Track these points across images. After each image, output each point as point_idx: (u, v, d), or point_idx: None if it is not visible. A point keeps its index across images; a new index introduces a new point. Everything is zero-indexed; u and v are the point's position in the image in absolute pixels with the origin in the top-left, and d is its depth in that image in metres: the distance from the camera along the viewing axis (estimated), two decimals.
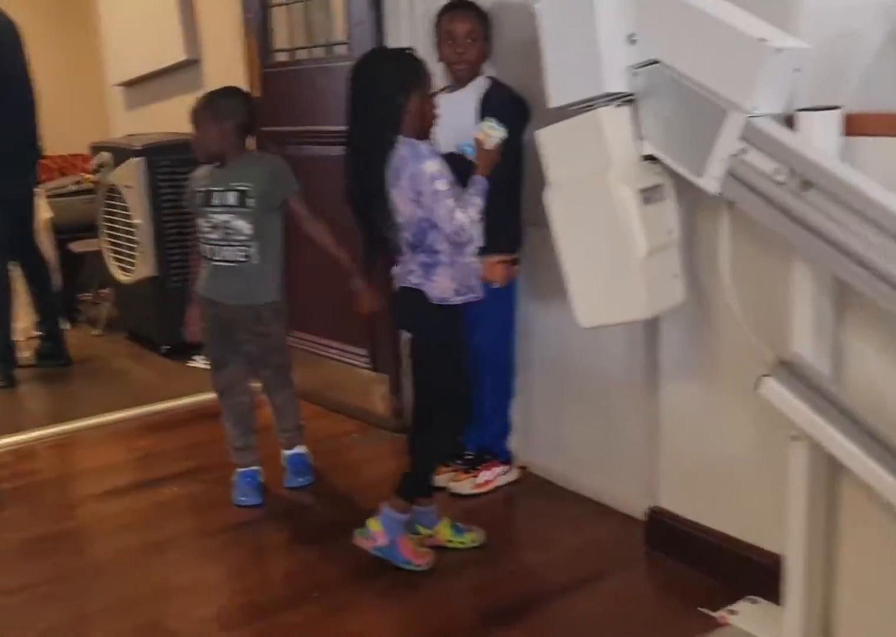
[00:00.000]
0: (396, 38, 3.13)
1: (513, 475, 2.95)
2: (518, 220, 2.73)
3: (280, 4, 3.59)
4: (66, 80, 6.00)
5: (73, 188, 5.39)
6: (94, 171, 4.67)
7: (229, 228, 2.72)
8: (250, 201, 2.70)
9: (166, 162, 4.30)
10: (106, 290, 5.03)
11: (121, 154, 4.43)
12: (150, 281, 4.40)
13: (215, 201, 2.74)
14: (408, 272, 2.35)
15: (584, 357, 2.72)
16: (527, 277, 2.82)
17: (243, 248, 2.73)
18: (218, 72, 4.52)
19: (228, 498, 2.89)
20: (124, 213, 4.42)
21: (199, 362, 4.31)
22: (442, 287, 2.32)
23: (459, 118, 2.54)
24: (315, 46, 3.49)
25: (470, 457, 2.92)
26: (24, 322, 4.53)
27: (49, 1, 6.11)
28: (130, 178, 4.31)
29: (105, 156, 4.55)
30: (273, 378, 2.94)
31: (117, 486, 3.08)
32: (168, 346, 4.48)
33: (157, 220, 4.33)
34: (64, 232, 5.03)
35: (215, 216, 2.73)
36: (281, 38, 3.64)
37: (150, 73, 5.13)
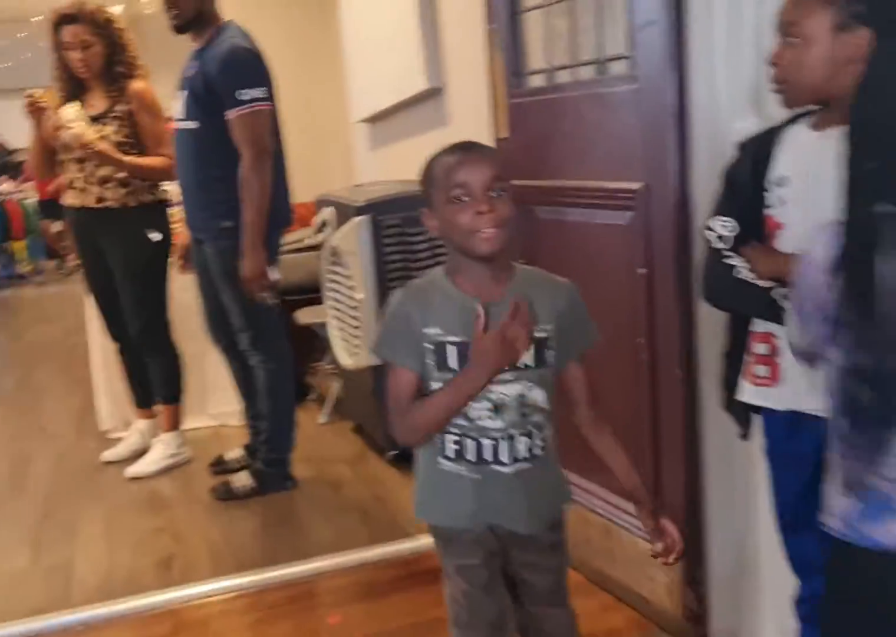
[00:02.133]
0: (707, 46, 2.00)
1: None
2: None
3: (535, 8, 2.54)
4: (311, 119, 5.31)
5: (308, 243, 4.64)
6: (318, 230, 3.85)
7: (526, 405, 1.60)
8: (550, 355, 1.61)
9: (394, 221, 3.38)
10: (334, 368, 4.21)
11: (343, 211, 3.56)
12: (373, 370, 3.49)
13: None
14: None
15: None
16: None
17: (539, 433, 1.62)
18: (463, 101, 3.57)
19: None
20: (347, 284, 3.55)
21: None
22: None
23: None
24: (583, 64, 2.40)
25: None
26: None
27: (294, 37, 5.42)
28: (352, 241, 3.43)
29: (328, 212, 3.71)
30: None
31: None
32: (395, 452, 3.56)
33: (384, 296, 3.41)
34: (293, 293, 4.27)
35: (500, 389, 1.57)
36: (537, 57, 2.58)
37: (391, 107, 4.29)
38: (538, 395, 1.59)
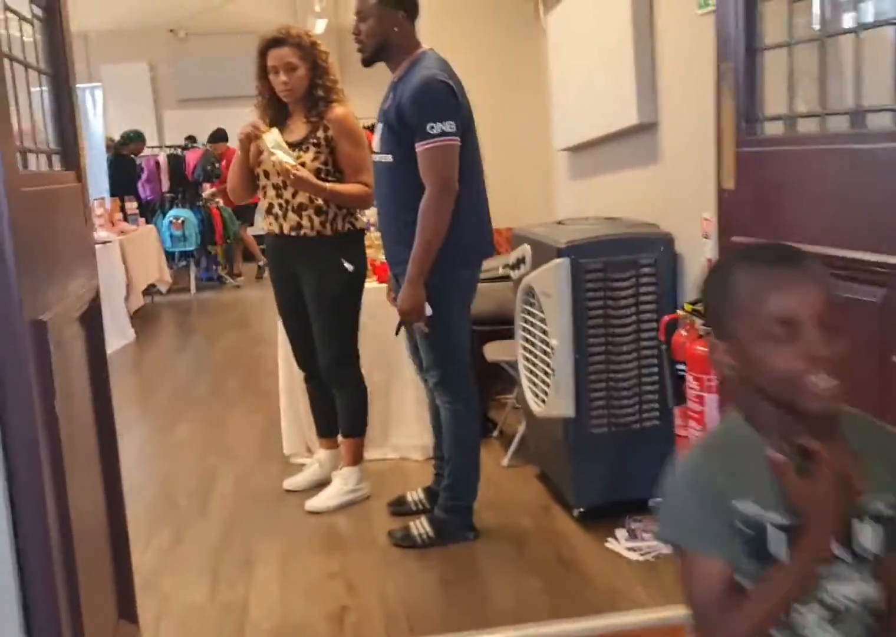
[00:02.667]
0: None
1: None
2: None
3: (777, 46, 2.26)
4: (512, 145, 5.15)
5: (503, 272, 4.47)
6: (513, 266, 3.67)
7: (871, 612, 1.22)
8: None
9: (596, 265, 3.16)
10: (520, 405, 4.02)
11: (542, 250, 3.37)
12: (563, 421, 3.28)
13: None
14: None
15: None
16: None
17: None
18: (678, 139, 3.32)
19: None
20: (542, 327, 3.36)
21: (622, 543, 3.12)
22: None
23: None
24: (834, 114, 2.11)
25: None
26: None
27: (497, 62, 5.27)
28: (549, 284, 3.23)
29: (525, 249, 3.53)
30: None
31: None
32: (582, 509, 3.34)
33: (581, 344, 3.20)
34: (482, 323, 4.12)
35: (841, 589, 1.20)
36: (775, 101, 2.30)
37: (597, 138, 4.07)
38: (870, 591, 1.19)
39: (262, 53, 3.53)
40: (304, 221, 3.52)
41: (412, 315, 3.12)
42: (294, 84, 3.50)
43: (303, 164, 3.47)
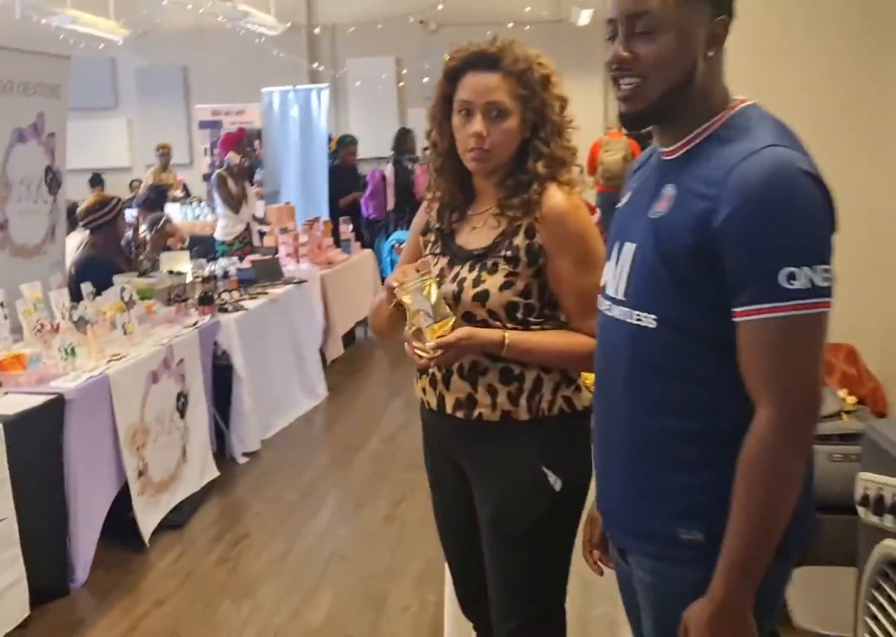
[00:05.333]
0: None
1: None
2: None
3: None
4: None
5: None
6: (863, 503, 1.97)
7: None
8: None
9: None
10: None
11: None
12: None
13: None
14: None
15: None
16: None
17: None
18: None
19: None
20: None
21: None
22: None
23: None
24: None
25: None
26: None
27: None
28: None
29: (883, 485, 1.83)
30: None
31: None
32: None
33: None
34: None
35: None
36: None
37: None
38: None
39: (453, 77, 2.04)
40: (481, 395, 2.01)
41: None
42: (497, 141, 1.99)
43: (482, 293, 1.97)
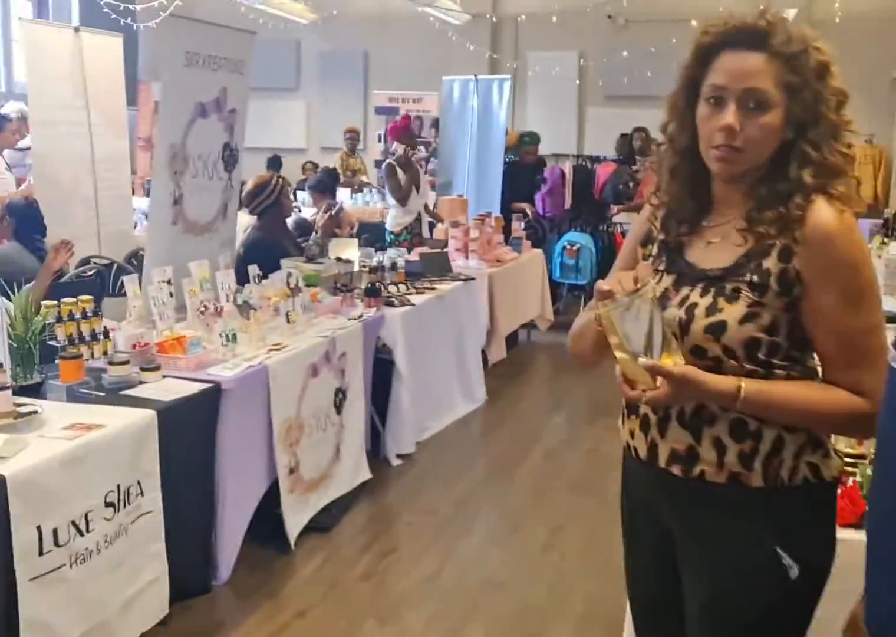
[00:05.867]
0: None
1: None
2: None
3: None
4: None
5: None
6: None
7: None
8: None
9: None
10: None
11: None
12: None
13: None
14: None
15: None
16: None
17: None
18: None
19: None
20: None
21: None
22: None
23: None
24: None
25: None
26: None
27: None
28: None
29: None
30: None
31: None
32: None
33: None
34: None
35: None
36: None
37: None
38: None
39: (704, 56, 1.67)
40: (705, 449, 1.64)
41: None
42: (752, 138, 1.62)
43: (718, 325, 1.60)
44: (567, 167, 8.46)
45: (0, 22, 10.75)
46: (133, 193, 7.58)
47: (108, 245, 6.32)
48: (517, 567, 3.71)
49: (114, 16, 8.83)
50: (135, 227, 6.95)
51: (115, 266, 5.33)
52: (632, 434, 1.75)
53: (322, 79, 12.41)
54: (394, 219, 7.34)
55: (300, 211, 7.70)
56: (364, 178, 9.01)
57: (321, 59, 12.40)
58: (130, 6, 8.95)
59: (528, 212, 8.13)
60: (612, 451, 5.11)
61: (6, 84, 11.08)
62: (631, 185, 8.03)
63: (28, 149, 6.55)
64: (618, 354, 1.59)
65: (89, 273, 5.17)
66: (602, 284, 1.62)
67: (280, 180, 5.17)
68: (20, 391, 3.00)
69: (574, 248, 7.82)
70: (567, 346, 1.90)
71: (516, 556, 3.80)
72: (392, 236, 7.24)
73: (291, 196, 6.18)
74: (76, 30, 6.45)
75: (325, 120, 12.31)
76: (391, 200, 7.37)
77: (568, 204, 8.29)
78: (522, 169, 8.50)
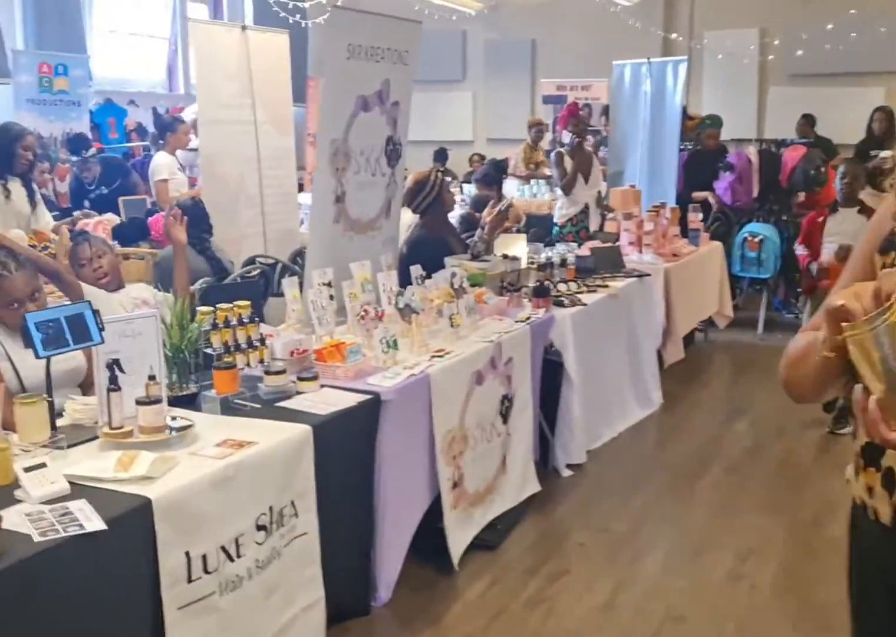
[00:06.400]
0: None
1: None
2: None
3: None
4: None
5: None
6: None
7: None
8: None
9: None
10: None
11: None
12: None
13: None
14: None
15: None
16: None
17: None
18: None
19: None
20: None
21: None
22: None
23: None
24: None
25: None
26: None
27: None
28: None
29: None
30: None
31: None
32: None
33: None
34: None
35: None
36: None
37: None
38: None
39: None
40: None
41: None
42: None
43: None
44: (752, 152, 7.86)
45: (178, 26, 11.07)
46: (303, 189, 7.57)
47: (274, 244, 6.29)
48: (701, 599, 3.35)
49: (282, 14, 8.89)
50: (301, 225, 6.91)
51: (280, 265, 5.26)
52: (870, 491, 1.41)
53: (488, 69, 12.20)
54: (559, 210, 7.04)
55: (466, 203, 7.49)
56: (546, 171, 8.70)
57: (487, 49, 12.18)
58: (300, 3, 8.99)
59: (712, 202, 7.62)
60: (805, 464, 4.69)
61: (184, 87, 11.41)
62: (823, 169, 7.39)
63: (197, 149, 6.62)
64: (872, 386, 1.24)
65: (253, 273, 5.12)
66: (836, 301, 1.29)
67: (439, 175, 4.96)
68: (175, 402, 2.89)
69: (756, 239, 7.26)
70: (779, 374, 1.55)
71: (700, 585, 3.44)
72: (557, 229, 6.94)
73: (455, 189, 5.97)
74: (243, 28, 6.45)
75: (492, 111, 12.10)
76: (558, 191, 7.07)
77: (755, 192, 7.69)
78: (703, 155, 7.99)
